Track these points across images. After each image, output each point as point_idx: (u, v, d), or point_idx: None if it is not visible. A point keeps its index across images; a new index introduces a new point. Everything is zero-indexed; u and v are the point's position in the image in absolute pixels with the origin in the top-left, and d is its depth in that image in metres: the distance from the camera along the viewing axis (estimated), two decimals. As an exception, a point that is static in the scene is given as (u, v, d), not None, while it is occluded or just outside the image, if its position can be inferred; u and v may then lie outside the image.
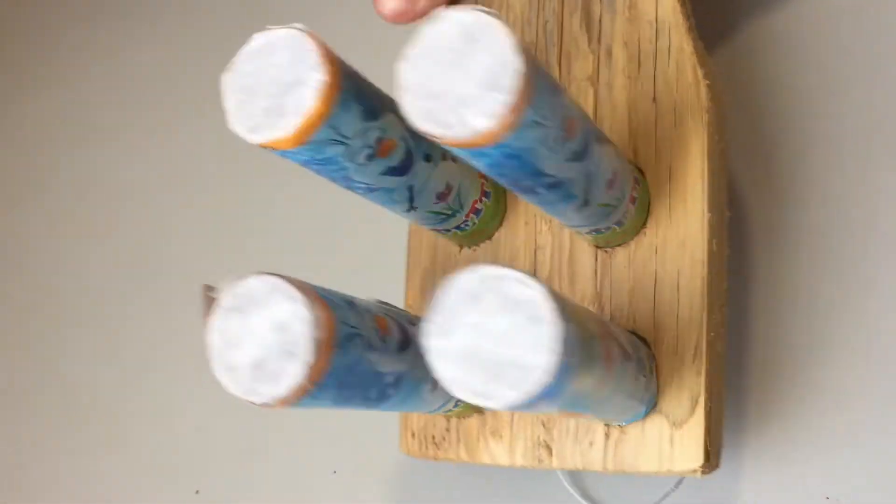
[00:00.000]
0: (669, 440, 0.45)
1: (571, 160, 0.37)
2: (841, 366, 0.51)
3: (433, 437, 0.51)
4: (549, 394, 0.31)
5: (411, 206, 0.44)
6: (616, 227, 0.45)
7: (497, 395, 0.31)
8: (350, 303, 0.38)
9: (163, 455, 0.58)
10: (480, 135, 0.32)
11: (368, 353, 0.37)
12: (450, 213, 0.46)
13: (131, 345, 0.61)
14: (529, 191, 0.38)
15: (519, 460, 0.49)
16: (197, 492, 0.56)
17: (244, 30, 0.64)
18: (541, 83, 0.33)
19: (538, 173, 0.36)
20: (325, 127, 0.36)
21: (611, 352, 0.36)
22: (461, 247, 0.52)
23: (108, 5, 0.69)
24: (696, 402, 0.45)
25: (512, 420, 0.49)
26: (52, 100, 0.69)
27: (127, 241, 0.63)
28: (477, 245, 0.51)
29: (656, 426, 0.45)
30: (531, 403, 0.31)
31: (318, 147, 0.37)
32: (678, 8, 0.49)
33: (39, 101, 0.68)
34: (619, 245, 0.48)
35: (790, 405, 0.51)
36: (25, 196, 0.66)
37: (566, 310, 0.31)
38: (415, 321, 0.43)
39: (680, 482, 0.52)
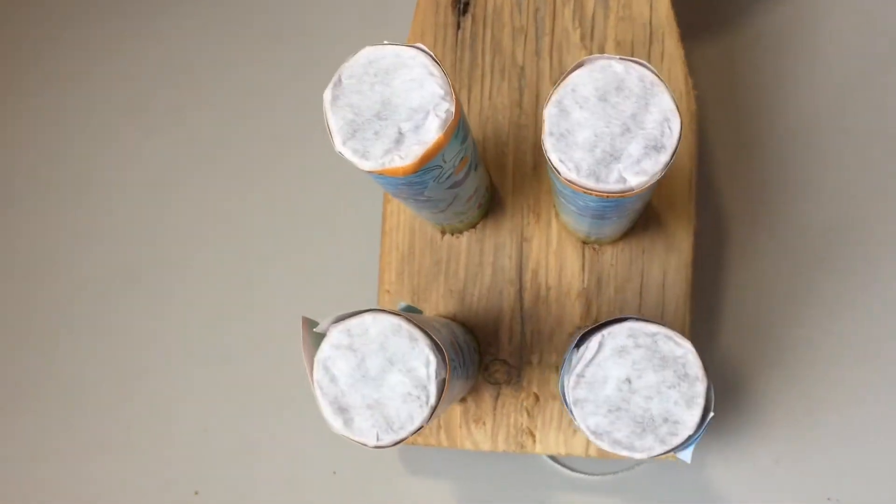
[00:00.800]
0: (654, 430, 0.49)
1: (650, 192, 0.38)
2: (842, 366, 0.53)
3: (411, 422, 0.51)
4: (689, 445, 0.33)
5: (446, 209, 0.43)
6: (621, 230, 0.47)
7: (643, 447, 0.32)
8: (438, 331, 0.37)
9: (163, 455, 0.54)
10: (631, 191, 0.33)
11: (457, 380, 0.37)
12: (466, 210, 0.46)
13: (131, 345, 0.55)
14: (601, 218, 0.39)
15: (501, 445, 0.50)
16: (196, 493, 0.53)
17: (242, 30, 0.58)
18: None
19: (628, 208, 0.37)
20: (439, 155, 0.34)
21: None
22: (443, 233, 0.51)
23: (105, 5, 0.60)
24: (680, 395, 0.49)
25: (495, 407, 0.50)
26: (49, 99, 0.59)
27: (127, 242, 0.57)
28: (461, 233, 0.51)
29: (643, 418, 0.49)
30: (666, 453, 0.33)
31: (423, 173, 0.35)
32: (672, 14, 0.50)
33: (37, 100, 0.59)
34: (607, 243, 0.50)
35: (791, 406, 0.53)
36: (25, 195, 0.58)
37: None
38: (457, 331, 0.43)
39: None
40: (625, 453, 0.32)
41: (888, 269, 0.54)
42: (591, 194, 0.33)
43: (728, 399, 0.54)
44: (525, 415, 0.50)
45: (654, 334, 0.32)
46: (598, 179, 0.32)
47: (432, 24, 0.52)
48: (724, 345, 0.54)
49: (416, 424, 0.32)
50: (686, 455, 0.34)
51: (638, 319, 0.32)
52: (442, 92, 0.33)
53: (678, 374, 0.32)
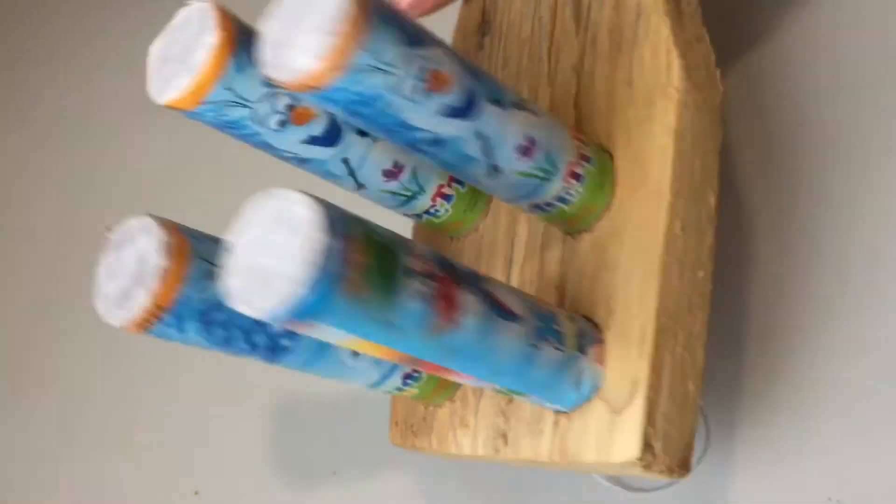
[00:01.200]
0: (608, 427, 0.42)
1: (448, 115, 0.38)
2: (843, 366, 0.47)
3: (412, 426, 0.51)
4: (310, 308, 0.31)
5: (357, 183, 0.46)
6: (560, 204, 0.44)
7: (260, 302, 0.31)
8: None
9: (163, 455, 0.59)
10: (306, 75, 0.34)
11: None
12: (408, 194, 0.47)
13: (131, 345, 0.61)
14: (413, 147, 0.39)
15: (480, 450, 0.48)
16: (196, 493, 0.57)
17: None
18: (384, 31, 0.34)
19: (405, 125, 0.37)
20: (220, 88, 0.39)
21: (452, 299, 0.36)
22: (451, 238, 0.52)
23: (105, 4, 0.70)
24: (637, 386, 0.42)
25: (477, 409, 0.48)
26: (49, 98, 0.69)
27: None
28: (465, 236, 0.51)
29: (596, 413, 0.43)
30: (295, 316, 0.31)
31: (218, 108, 0.40)
32: (659, -9, 0.47)
33: (37, 98, 0.69)
34: (584, 230, 0.46)
35: (792, 405, 0.49)
36: (25, 195, 0.67)
37: (342, 228, 0.32)
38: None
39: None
40: (250, 312, 0.32)
41: (889, 269, 0.47)
42: (290, 89, 0.35)
43: (728, 399, 0.48)
44: (501, 416, 0.47)
45: (284, 197, 0.32)
46: (278, 69, 0.35)
47: (461, 50, 0.55)
48: (723, 345, 0.48)
49: (141, 305, 0.36)
50: (328, 329, 0.32)
51: (279, 189, 0.33)
52: (210, 28, 0.39)
53: (296, 231, 0.32)
